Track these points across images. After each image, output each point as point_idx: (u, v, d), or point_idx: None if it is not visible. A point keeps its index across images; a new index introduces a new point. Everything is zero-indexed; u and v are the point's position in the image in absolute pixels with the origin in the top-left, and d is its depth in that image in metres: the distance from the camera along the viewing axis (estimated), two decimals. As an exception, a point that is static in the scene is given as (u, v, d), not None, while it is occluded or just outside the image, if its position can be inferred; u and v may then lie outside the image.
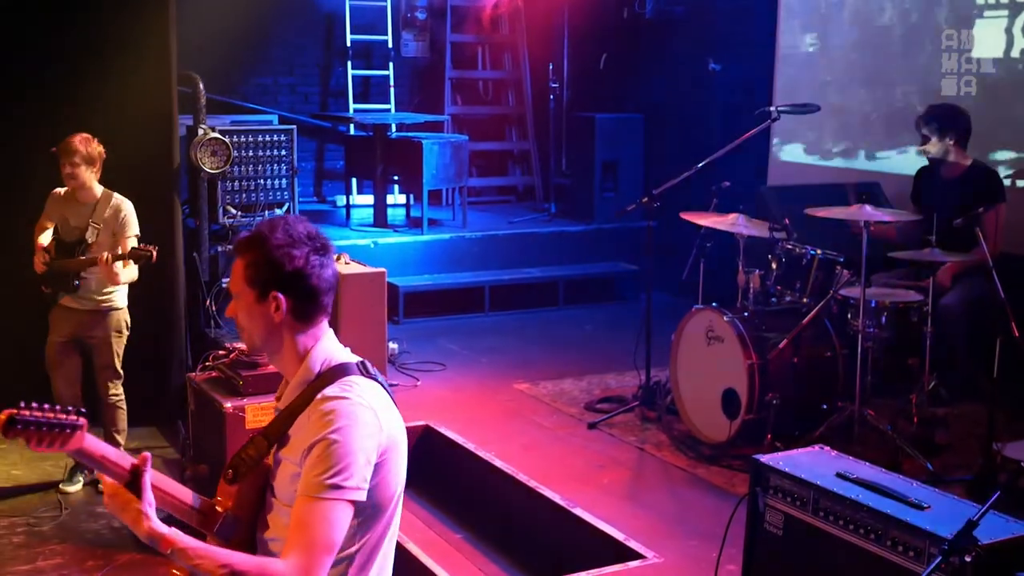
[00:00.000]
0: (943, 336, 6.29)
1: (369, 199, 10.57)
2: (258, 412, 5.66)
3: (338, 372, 2.65)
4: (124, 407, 6.35)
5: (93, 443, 2.48)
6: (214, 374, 6.06)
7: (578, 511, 5.43)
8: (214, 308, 7.75)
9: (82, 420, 2.43)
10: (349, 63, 11.27)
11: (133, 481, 2.50)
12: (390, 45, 11.42)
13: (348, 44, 11.22)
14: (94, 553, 5.62)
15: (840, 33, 8.82)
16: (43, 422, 2.36)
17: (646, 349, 6.92)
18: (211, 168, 7.64)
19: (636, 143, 10.82)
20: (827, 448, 4.06)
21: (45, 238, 6.12)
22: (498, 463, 6.05)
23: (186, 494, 2.69)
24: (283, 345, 2.70)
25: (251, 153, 8.35)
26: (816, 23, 9.05)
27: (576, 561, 4.93)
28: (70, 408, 2.43)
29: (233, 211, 8.24)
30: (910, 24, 8.22)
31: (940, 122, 6.73)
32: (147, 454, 2.57)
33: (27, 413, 2.36)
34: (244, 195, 8.31)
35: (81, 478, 6.25)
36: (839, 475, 3.64)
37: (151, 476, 2.56)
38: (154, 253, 5.87)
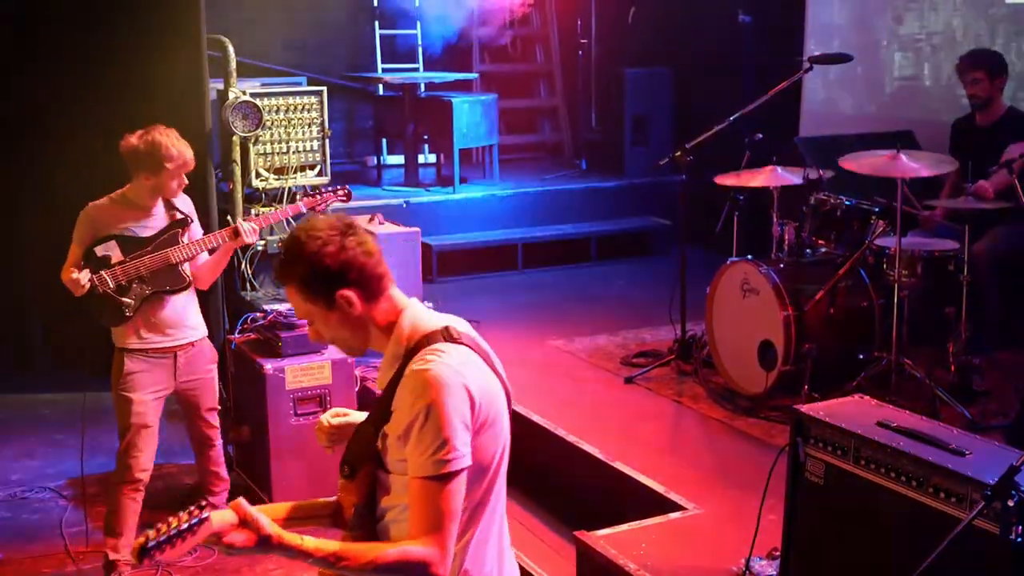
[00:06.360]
0: (977, 283, 6.26)
1: (400, 159, 10.60)
2: (298, 373, 5.71)
3: (423, 343, 2.67)
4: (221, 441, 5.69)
5: (219, 522, 2.46)
6: (253, 336, 6.10)
7: (618, 464, 5.46)
8: (250, 271, 7.79)
9: (206, 513, 2.43)
10: (376, 23, 11.25)
11: (241, 519, 2.48)
12: (417, 3, 11.38)
13: (375, 3, 11.20)
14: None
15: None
16: (174, 535, 2.38)
17: (681, 303, 6.93)
18: (243, 131, 7.66)
19: (666, 97, 10.79)
20: (866, 397, 4.07)
21: (84, 275, 5.03)
22: (536, 418, 6.07)
23: (318, 505, 2.82)
24: (372, 331, 2.75)
25: (282, 115, 8.34)
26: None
27: (617, 514, 4.96)
28: (191, 508, 2.42)
29: (265, 174, 8.27)
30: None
31: (990, 65, 6.67)
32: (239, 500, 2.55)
33: (154, 534, 2.36)
34: (276, 157, 8.31)
35: None
36: (880, 424, 3.64)
37: (289, 505, 2.77)
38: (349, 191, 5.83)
